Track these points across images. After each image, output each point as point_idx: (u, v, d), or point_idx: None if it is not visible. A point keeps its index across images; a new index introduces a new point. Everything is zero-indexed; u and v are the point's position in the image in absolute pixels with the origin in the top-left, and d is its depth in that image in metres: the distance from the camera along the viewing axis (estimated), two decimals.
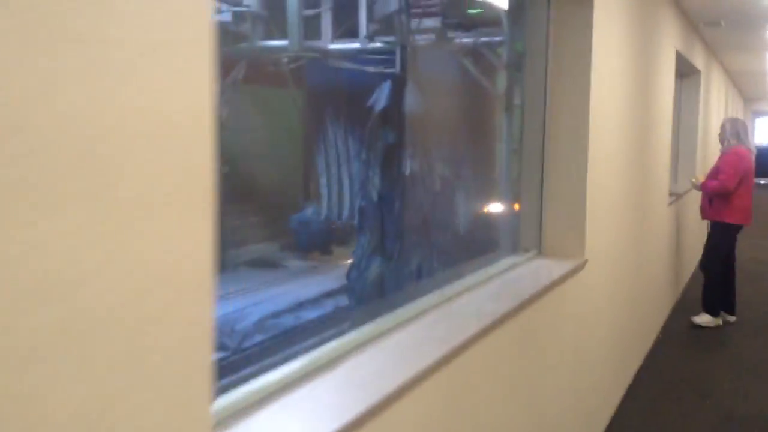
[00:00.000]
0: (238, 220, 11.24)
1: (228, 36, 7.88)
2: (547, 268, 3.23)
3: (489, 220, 6.17)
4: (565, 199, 3.50)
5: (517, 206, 3.62)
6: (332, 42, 8.08)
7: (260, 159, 11.47)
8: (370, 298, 6.03)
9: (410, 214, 6.22)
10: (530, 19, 3.54)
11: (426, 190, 6.33)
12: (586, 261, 3.50)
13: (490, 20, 7.46)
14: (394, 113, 6.17)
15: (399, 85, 6.24)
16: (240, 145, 11.11)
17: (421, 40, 7.25)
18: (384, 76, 6.43)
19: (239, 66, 8.95)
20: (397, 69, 6.40)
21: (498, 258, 3.41)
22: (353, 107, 7.44)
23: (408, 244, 6.07)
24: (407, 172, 6.17)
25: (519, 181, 3.60)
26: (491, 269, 3.12)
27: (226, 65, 9.00)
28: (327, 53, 7.90)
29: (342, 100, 8.18)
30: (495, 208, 7.23)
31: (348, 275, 6.45)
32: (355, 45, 7.79)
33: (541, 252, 3.55)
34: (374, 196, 6.14)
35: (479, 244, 6.37)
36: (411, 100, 6.22)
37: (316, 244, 9.58)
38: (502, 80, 7.30)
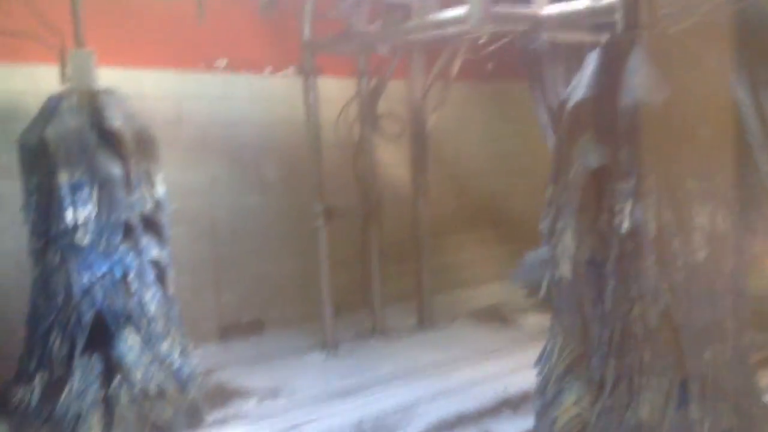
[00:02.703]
0: (467, 253, 8.73)
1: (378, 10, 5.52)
2: None
3: None
4: None
5: None
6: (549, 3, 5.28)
7: (491, 174, 8.96)
8: None
9: (633, 304, 3.13)
10: None
11: (667, 258, 3.13)
12: None
13: None
14: (602, 110, 3.19)
15: (615, 58, 3.22)
16: (468, 157, 8.83)
17: None
18: (595, 45, 3.50)
19: (447, 55, 6.55)
20: (619, 27, 3.39)
21: None
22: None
23: (634, 363, 3.02)
24: (625, 224, 3.10)
25: None
26: None
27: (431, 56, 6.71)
28: (538, 22, 5.09)
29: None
30: None
31: (534, 400, 3.58)
32: (584, 3, 4.91)
33: None
34: (566, 266, 3.22)
35: None
36: (643, 86, 3.17)
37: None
38: None
